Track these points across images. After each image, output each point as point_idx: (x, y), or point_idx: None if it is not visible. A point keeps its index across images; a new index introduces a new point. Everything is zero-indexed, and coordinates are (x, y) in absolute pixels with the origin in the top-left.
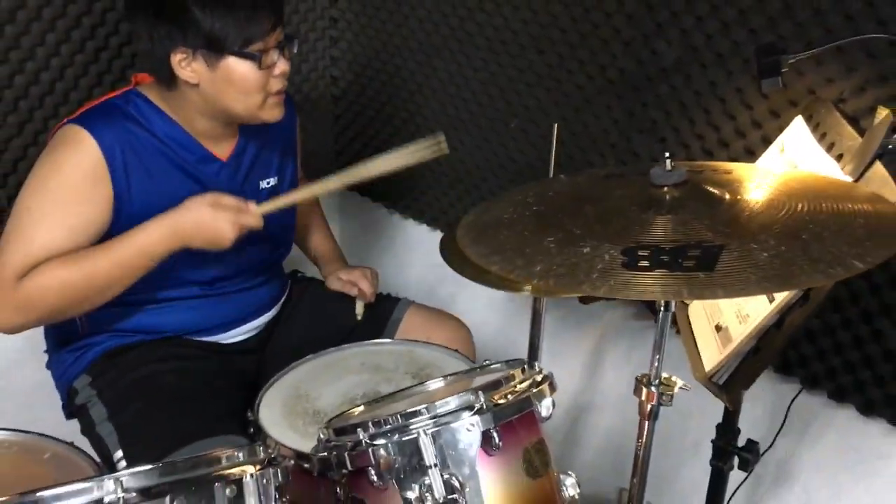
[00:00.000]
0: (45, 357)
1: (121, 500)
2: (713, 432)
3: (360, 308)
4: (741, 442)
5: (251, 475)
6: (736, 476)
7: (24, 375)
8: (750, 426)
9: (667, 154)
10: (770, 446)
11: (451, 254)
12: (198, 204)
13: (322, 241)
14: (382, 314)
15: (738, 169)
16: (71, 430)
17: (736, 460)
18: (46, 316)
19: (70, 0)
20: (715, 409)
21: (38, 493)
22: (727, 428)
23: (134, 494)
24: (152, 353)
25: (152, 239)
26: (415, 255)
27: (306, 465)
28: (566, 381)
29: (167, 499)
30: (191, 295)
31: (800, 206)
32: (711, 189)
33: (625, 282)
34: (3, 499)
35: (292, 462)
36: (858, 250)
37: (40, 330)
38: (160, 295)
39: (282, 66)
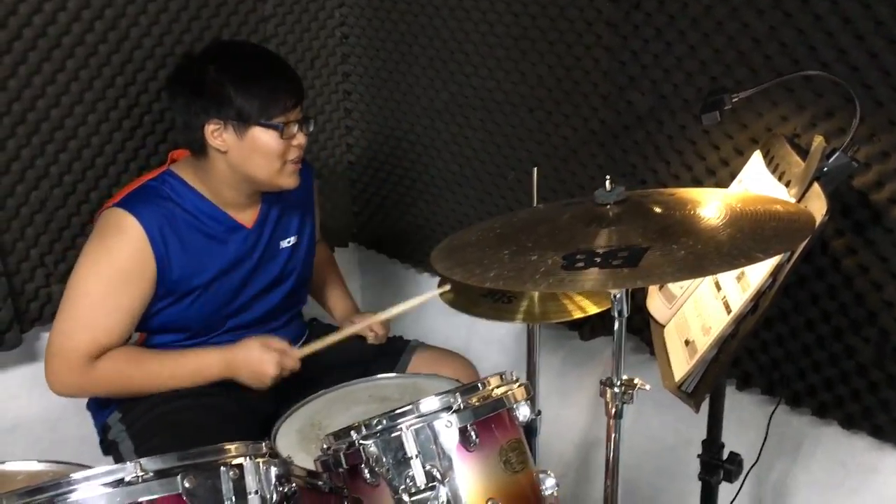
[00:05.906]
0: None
1: (140, 479)
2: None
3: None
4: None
5: (251, 460)
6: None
7: (68, 429)
8: (743, 447)
9: (607, 177)
10: (756, 461)
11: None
12: (250, 343)
13: (338, 296)
14: (393, 353)
15: (679, 192)
16: None
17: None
18: (99, 394)
19: (108, 85)
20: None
21: (72, 476)
22: (711, 443)
23: (151, 474)
24: (175, 391)
25: (208, 366)
26: (428, 305)
27: (319, 484)
28: (575, 419)
29: (179, 477)
30: (212, 341)
31: (724, 215)
32: (649, 205)
33: (561, 279)
34: (43, 478)
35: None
36: (763, 246)
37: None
38: (185, 342)
39: (300, 138)
